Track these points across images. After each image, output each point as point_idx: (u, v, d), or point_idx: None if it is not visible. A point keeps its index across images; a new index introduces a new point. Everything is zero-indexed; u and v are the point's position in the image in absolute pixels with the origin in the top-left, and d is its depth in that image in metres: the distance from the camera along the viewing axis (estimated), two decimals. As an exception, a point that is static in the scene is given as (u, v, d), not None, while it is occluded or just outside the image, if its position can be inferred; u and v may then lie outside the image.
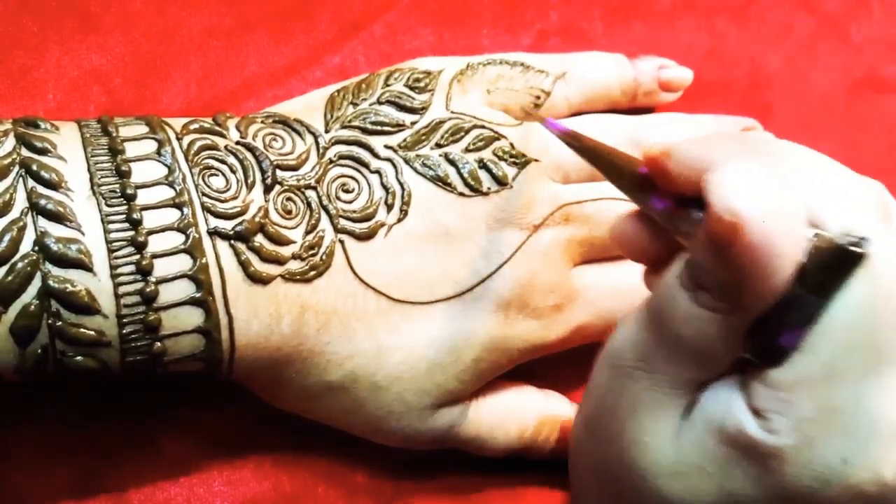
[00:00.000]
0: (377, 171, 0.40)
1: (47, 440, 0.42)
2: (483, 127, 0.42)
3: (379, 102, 0.42)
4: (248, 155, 0.38)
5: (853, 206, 0.29)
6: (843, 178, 0.31)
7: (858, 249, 0.28)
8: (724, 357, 0.30)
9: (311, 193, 0.39)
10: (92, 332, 0.34)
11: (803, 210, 0.29)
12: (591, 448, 0.34)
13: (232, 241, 0.36)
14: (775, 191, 0.28)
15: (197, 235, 0.36)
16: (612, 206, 0.43)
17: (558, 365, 0.45)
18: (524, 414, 0.43)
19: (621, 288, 0.43)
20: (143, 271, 0.34)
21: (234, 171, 0.38)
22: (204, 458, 0.43)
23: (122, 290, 0.34)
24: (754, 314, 0.29)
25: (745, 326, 0.29)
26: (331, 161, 0.40)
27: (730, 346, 0.30)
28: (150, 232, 0.35)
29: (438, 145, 0.41)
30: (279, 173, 0.39)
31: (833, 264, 0.28)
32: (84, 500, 0.42)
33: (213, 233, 0.36)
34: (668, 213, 0.32)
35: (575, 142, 0.36)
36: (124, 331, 0.34)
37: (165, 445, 0.43)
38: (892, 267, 0.29)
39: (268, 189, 0.38)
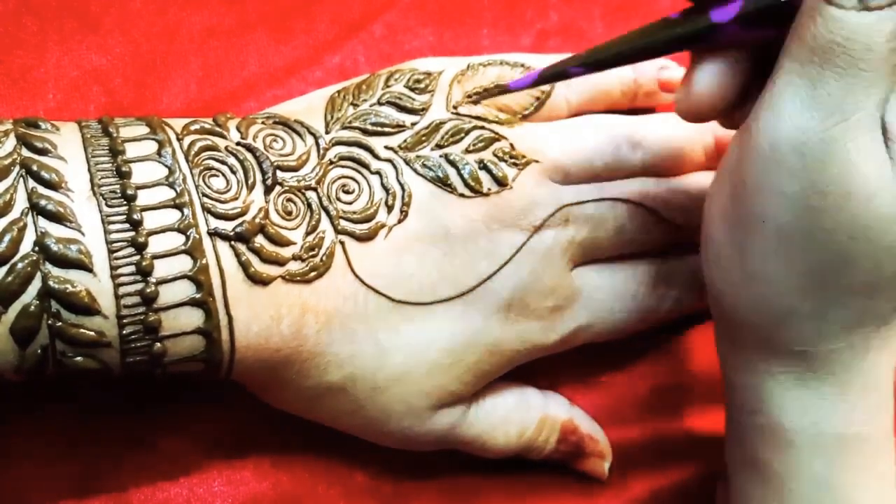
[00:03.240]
0: (377, 172, 0.40)
1: (47, 440, 0.42)
2: (483, 128, 0.42)
3: (379, 103, 0.42)
4: (249, 156, 0.38)
5: None
6: None
7: None
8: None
9: (311, 194, 0.39)
10: (92, 333, 0.34)
11: None
12: (802, 248, 0.34)
13: (232, 242, 0.36)
14: None
15: (197, 236, 0.35)
16: (613, 206, 0.43)
17: (558, 365, 0.45)
18: (524, 415, 0.44)
19: (622, 288, 0.44)
20: (144, 272, 0.34)
21: (234, 172, 0.38)
22: (204, 458, 0.43)
23: (122, 290, 0.34)
24: None
25: None
26: (331, 162, 0.40)
27: None
28: (151, 233, 0.35)
29: (439, 146, 0.41)
30: (279, 174, 0.38)
31: None
32: (84, 500, 0.42)
33: (214, 234, 0.36)
34: (747, 9, 0.33)
35: (557, 73, 0.37)
36: (124, 331, 0.34)
37: (165, 445, 0.43)
38: None
39: (268, 190, 0.38)
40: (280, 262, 0.37)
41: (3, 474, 0.41)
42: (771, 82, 0.34)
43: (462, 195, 0.40)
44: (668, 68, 0.47)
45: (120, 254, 0.34)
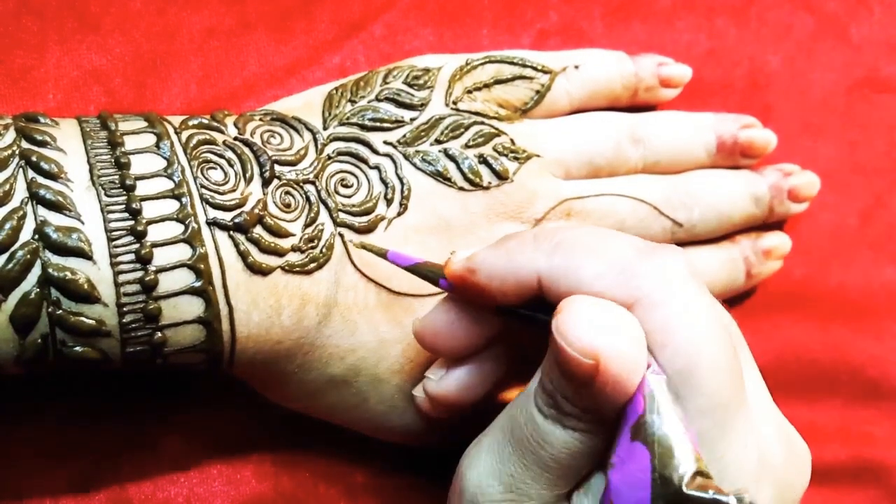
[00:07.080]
0: (376, 167, 0.40)
1: (47, 440, 0.42)
2: (483, 123, 0.42)
3: (377, 99, 0.42)
4: (246, 150, 0.38)
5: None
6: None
7: None
8: (590, 465, 0.33)
9: (309, 188, 0.39)
10: (92, 322, 0.34)
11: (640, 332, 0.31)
12: None
13: (231, 232, 0.36)
14: (619, 323, 0.30)
15: (196, 226, 0.35)
16: (613, 201, 0.43)
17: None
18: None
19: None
20: (143, 260, 0.34)
21: (231, 165, 0.38)
22: (204, 458, 0.43)
23: (121, 278, 0.34)
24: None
25: (606, 437, 0.32)
26: (329, 157, 0.40)
27: (596, 454, 0.32)
28: (150, 222, 0.35)
29: (438, 141, 0.41)
30: (277, 168, 0.38)
31: None
32: (84, 500, 0.42)
33: (212, 223, 0.36)
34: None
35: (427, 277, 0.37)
36: (124, 320, 0.34)
37: (165, 445, 0.43)
38: None
39: (266, 183, 0.38)
40: (279, 253, 0.37)
41: (3, 474, 0.41)
42: (488, 427, 0.35)
43: (462, 188, 0.40)
44: (666, 64, 0.47)
45: (119, 242, 0.34)
